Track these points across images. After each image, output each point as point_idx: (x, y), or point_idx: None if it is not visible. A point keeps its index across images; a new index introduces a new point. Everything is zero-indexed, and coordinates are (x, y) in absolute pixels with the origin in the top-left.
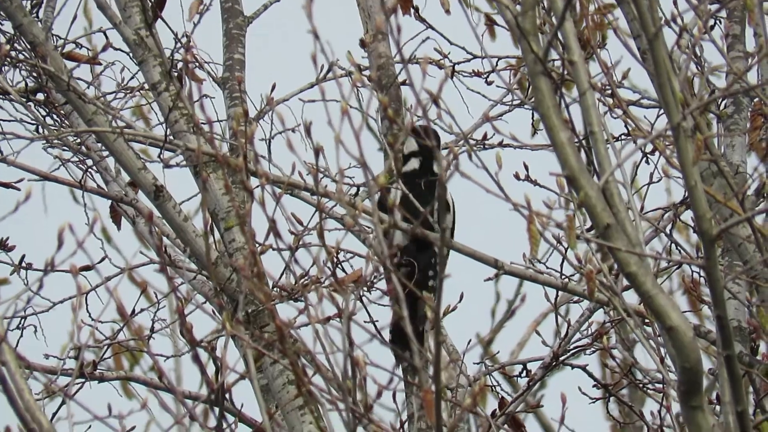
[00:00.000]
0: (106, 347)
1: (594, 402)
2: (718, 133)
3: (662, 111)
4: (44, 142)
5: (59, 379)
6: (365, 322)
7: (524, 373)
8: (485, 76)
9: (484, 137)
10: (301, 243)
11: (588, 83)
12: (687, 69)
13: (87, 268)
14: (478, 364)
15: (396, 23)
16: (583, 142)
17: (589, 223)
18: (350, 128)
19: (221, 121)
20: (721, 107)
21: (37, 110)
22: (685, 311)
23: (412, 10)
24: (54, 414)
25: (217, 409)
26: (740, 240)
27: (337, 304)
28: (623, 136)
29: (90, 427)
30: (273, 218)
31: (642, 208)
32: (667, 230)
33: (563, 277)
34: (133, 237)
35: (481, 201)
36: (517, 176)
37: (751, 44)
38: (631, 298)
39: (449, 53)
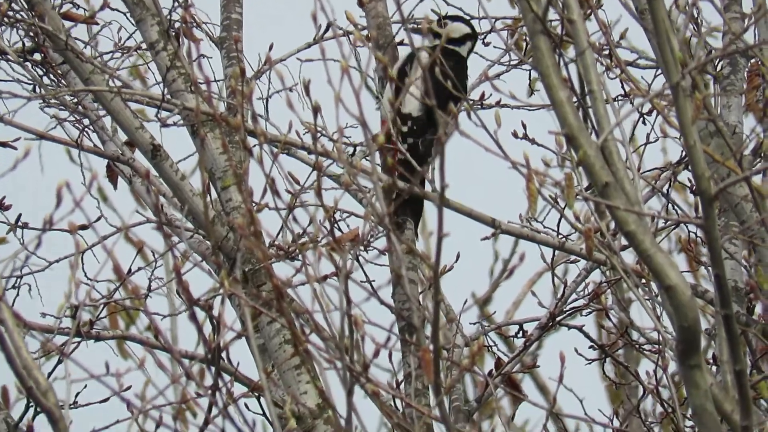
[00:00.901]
0: (102, 306)
1: (590, 363)
2: (714, 94)
3: (659, 71)
4: (41, 101)
5: (56, 338)
6: (362, 281)
7: (520, 334)
8: (482, 36)
9: (482, 97)
10: (298, 202)
11: (587, 42)
12: (686, 28)
13: (84, 227)
14: (474, 324)
15: None
16: (582, 101)
17: (587, 183)
18: (349, 87)
19: (218, 81)
20: (718, 68)
21: (35, 70)
22: (683, 271)
23: None
24: (50, 373)
25: (213, 369)
26: (737, 200)
27: (335, 263)
28: (620, 97)
29: (86, 386)
30: (271, 176)
31: (639, 168)
32: (665, 190)
33: (560, 236)
34: (130, 197)
35: (479, 160)
36: (515, 134)
37: (747, 5)
38: (628, 258)
39: (447, 13)
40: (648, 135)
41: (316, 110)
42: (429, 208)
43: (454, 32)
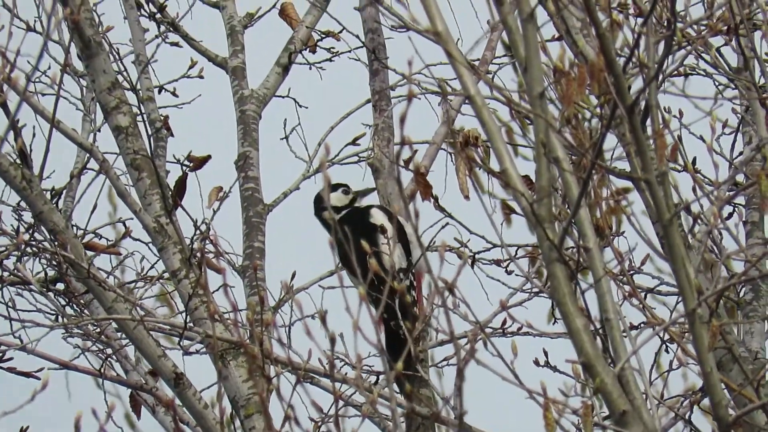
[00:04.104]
0: None
1: None
2: (735, 321)
3: (680, 298)
4: (63, 331)
5: None
6: None
7: None
8: (505, 264)
9: (503, 324)
10: (321, 430)
11: (603, 270)
12: (701, 256)
13: None
14: None
15: (414, 209)
16: (598, 329)
17: (605, 410)
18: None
19: (241, 310)
20: (740, 294)
21: (57, 300)
22: None
23: (431, 198)
24: None
25: None
26: (759, 427)
27: None
28: (642, 324)
29: None
30: (291, 404)
31: (662, 395)
32: (687, 416)
33: None
34: (155, 425)
35: (500, 388)
36: (536, 362)
37: None
38: None
39: (468, 241)
40: (671, 362)
41: (333, 340)
42: None
43: (339, 202)
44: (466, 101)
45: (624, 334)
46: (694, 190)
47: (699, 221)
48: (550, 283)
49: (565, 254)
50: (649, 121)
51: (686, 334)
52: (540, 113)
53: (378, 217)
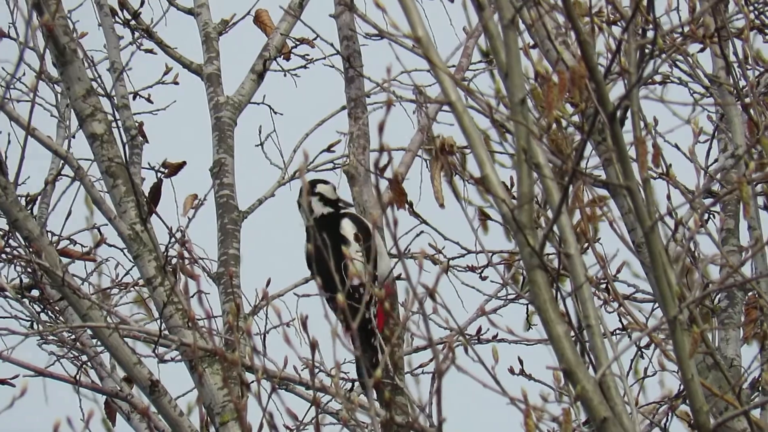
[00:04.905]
0: None
1: None
2: (712, 327)
3: (657, 305)
4: (39, 338)
5: None
6: None
7: None
8: (480, 271)
9: (479, 331)
10: None
11: (584, 276)
12: (683, 262)
13: None
14: None
15: (392, 217)
16: (579, 335)
17: (585, 417)
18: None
19: (216, 317)
20: (715, 301)
21: (32, 307)
22: None
23: (406, 205)
24: None
25: None
26: None
27: None
28: (618, 331)
29: None
30: (269, 412)
31: (637, 402)
32: (663, 424)
33: None
34: None
35: (477, 395)
36: (511, 371)
37: (744, 238)
38: None
39: (444, 248)
40: (646, 369)
41: (313, 346)
42: None
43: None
44: (443, 108)
45: (604, 338)
46: (668, 197)
47: (680, 227)
48: (530, 289)
49: (545, 260)
50: (629, 128)
51: (665, 340)
52: (521, 120)
53: (347, 229)
